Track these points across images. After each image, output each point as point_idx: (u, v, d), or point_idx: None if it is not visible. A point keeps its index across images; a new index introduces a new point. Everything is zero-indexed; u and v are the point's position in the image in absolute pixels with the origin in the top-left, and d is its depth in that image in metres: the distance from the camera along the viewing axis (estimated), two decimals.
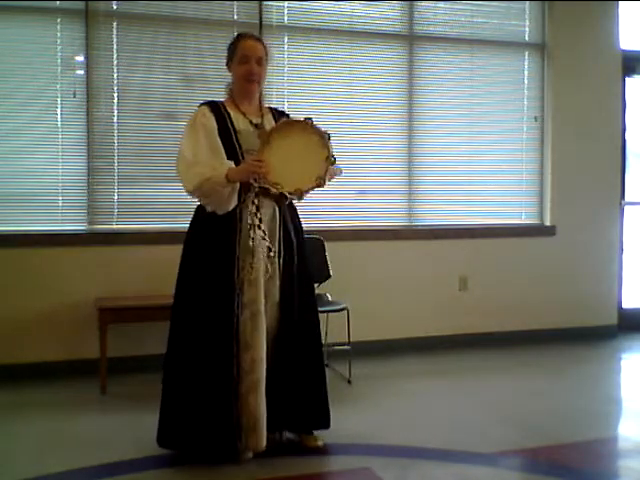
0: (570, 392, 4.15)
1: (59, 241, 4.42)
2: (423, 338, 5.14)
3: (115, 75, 4.53)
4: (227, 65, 3.20)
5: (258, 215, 3.00)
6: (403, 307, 5.12)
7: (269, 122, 3.15)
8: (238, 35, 3.25)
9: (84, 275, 4.44)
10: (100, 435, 3.38)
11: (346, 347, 4.31)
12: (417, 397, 4.05)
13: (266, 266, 3.02)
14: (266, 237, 3.01)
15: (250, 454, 3.03)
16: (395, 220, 5.21)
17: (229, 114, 3.10)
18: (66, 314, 4.40)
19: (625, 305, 5.87)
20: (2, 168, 4.37)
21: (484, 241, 5.35)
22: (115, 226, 4.57)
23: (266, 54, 3.15)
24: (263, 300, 3.02)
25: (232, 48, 3.16)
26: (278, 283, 3.09)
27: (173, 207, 4.61)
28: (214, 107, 3.12)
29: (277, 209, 3.11)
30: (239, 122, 3.09)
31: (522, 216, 5.56)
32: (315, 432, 3.21)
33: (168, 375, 3.09)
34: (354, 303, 4.38)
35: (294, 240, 3.15)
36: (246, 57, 3.09)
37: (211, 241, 3.05)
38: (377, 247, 5.08)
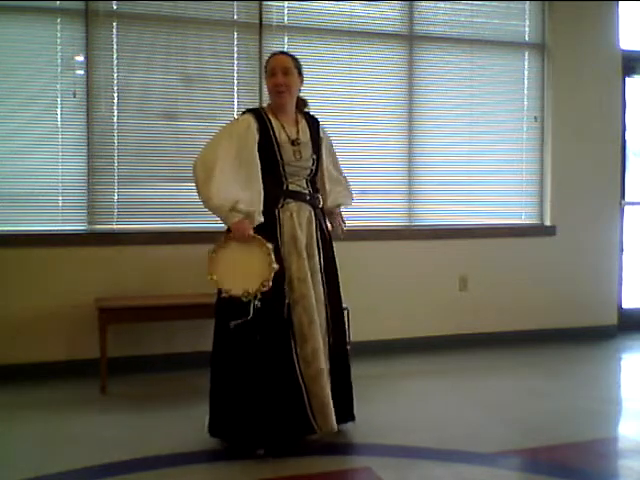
0: (570, 392, 4.15)
1: (59, 241, 4.41)
2: (423, 338, 5.14)
3: (115, 75, 4.53)
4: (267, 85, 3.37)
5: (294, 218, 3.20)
6: (403, 307, 5.12)
7: (304, 134, 3.31)
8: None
9: (84, 275, 4.44)
10: (100, 435, 3.39)
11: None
12: (417, 397, 4.05)
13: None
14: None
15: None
16: (395, 220, 5.21)
17: (271, 123, 3.23)
18: (66, 314, 4.39)
19: (625, 305, 5.87)
20: (2, 168, 4.37)
21: (484, 241, 5.34)
22: (115, 226, 4.57)
23: (296, 65, 3.30)
24: (314, 295, 3.17)
25: (265, 67, 3.35)
26: (321, 280, 3.25)
27: (173, 207, 4.62)
28: (259, 116, 3.24)
29: (313, 212, 3.29)
30: (281, 134, 3.23)
31: (522, 216, 5.56)
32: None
33: (218, 371, 3.19)
34: (354, 303, 4.37)
35: (328, 240, 3.36)
36: (273, 69, 3.28)
37: None
38: (377, 247, 5.08)
